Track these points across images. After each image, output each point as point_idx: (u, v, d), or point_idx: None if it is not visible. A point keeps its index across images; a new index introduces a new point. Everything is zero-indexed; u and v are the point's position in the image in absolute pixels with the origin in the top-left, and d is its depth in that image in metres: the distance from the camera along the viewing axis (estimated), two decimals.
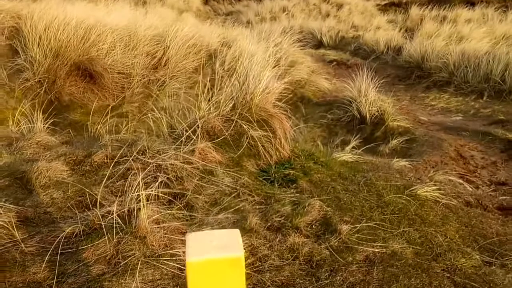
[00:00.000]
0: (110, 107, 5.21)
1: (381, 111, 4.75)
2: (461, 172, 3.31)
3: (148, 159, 1.94)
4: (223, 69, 6.09)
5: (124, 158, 1.93)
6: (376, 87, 5.26)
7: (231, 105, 2.44)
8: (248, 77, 2.45)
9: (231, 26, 10.60)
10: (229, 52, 6.21)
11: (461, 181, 2.81)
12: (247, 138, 2.30)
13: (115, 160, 1.91)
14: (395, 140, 4.04)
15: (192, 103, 2.95)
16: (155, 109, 2.49)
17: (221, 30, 8.23)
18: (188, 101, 5.26)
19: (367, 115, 4.73)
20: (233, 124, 2.33)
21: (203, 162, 2.02)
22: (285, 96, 5.02)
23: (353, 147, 3.64)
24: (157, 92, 5.45)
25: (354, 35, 10.13)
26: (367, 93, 5.03)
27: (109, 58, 5.33)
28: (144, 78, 5.54)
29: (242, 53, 5.75)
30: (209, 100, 2.58)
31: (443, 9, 12.22)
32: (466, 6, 13.65)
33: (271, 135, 2.34)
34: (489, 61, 6.00)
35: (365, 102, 4.87)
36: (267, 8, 17.49)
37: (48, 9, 5.62)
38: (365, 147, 3.57)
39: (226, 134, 2.28)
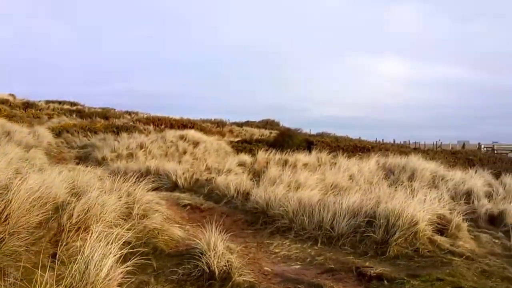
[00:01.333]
0: None
1: (228, 265, 5.01)
2: None
3: None
4: (70, 222, 5.90)
5: None
6: (226, 236, 5.61)
7: None
8: (89, 265, 2.50)
9: (84, 168, 10.48)
10: (78, 204, 6.09)
11: None
12: None
13: None
14: None
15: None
16: None
17: (72, 175, 8.08)
18: (29, 259, 4.90)
19: (216, 270, 4.93)
20: None
21: None
22: (137, 251, 5.03)
23: None
24: None
25: (208, 177, 10.79)
26: (216, 246, 5.31)
27: None
28: None
29: (91, 208, 5.71)
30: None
31: (285, 153, 13.90)
32: (304, 150, 15.79)
33: None
34: (320, 210, 6.92)
35: (214, 256, 5.11)
36: (124, 144, 17.77)
37: None
38: None
39: None
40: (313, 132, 40.75)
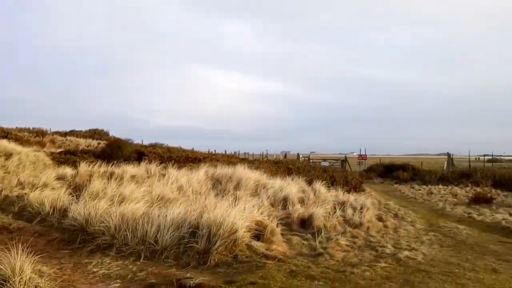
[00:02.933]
0: None
1: None
2: None
3: None
4: None
5: None
6: (37, 258, 5.08)
7: None
8: None
9: None
10: None
11: None
12: None
13: None
14: None
15: None
16: None
17: None
18: None
19: None
20: None
21: None
22: None
23: None
24: None
25: (20, 193, 9.64)
26: (23, 270, 4.78)
27: None
28: None
29: None
30: None
31: (113, 165, 13.24)
32: (135, 161, 15.28)
33: None
34: (144, 223, 6.77)
35: (19, 282, 4.60)
36: None
37: None
38: None
39: None
40: (146, 142, 39.83)
